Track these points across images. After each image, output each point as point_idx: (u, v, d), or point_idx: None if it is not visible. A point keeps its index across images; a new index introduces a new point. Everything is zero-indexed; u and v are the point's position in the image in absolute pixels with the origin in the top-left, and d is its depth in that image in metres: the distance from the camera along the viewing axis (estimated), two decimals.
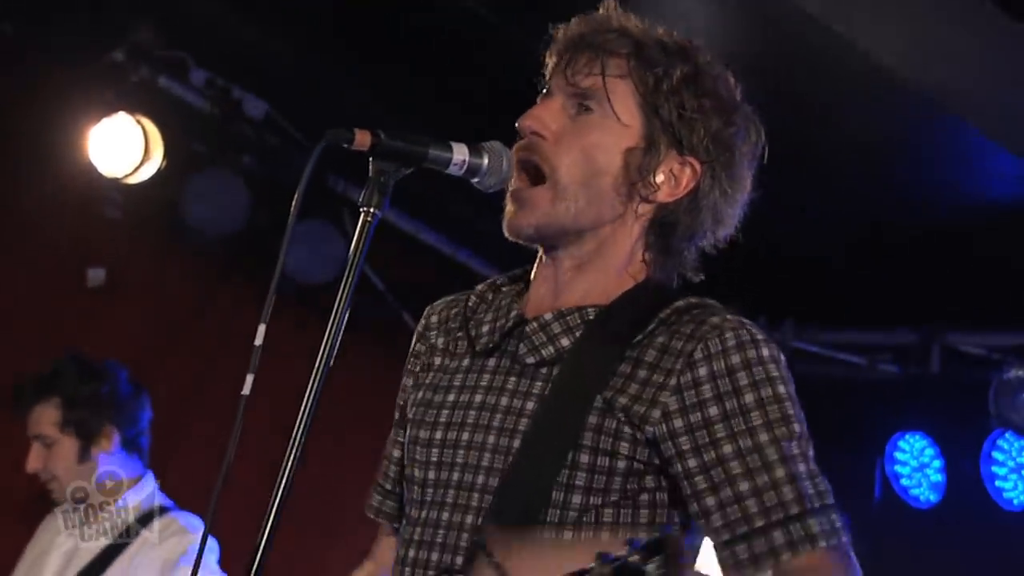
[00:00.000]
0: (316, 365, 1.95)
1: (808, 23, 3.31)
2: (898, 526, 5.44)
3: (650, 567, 1.43)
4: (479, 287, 2.27)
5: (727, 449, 1.96)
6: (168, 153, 5.00)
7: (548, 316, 2.10)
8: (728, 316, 2.04)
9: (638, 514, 2.02)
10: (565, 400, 2.02)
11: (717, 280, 2.21)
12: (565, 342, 2.07)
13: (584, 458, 1.99)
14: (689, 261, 2.18)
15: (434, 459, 2.12)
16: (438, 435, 2.12)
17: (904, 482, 5.48)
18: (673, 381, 1.99)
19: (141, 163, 4.97)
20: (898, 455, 5.50)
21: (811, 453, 2.03)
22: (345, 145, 1.96)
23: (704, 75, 2.12)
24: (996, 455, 5.26)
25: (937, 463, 5.42)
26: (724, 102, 2.13)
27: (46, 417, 4.25)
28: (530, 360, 2.08)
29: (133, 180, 5.01)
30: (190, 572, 3.93)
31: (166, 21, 5.03)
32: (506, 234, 2.14)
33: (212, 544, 4.05)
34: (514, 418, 2.06)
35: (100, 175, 4.96)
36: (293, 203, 1.99)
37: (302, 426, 1.91)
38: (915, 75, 3.49)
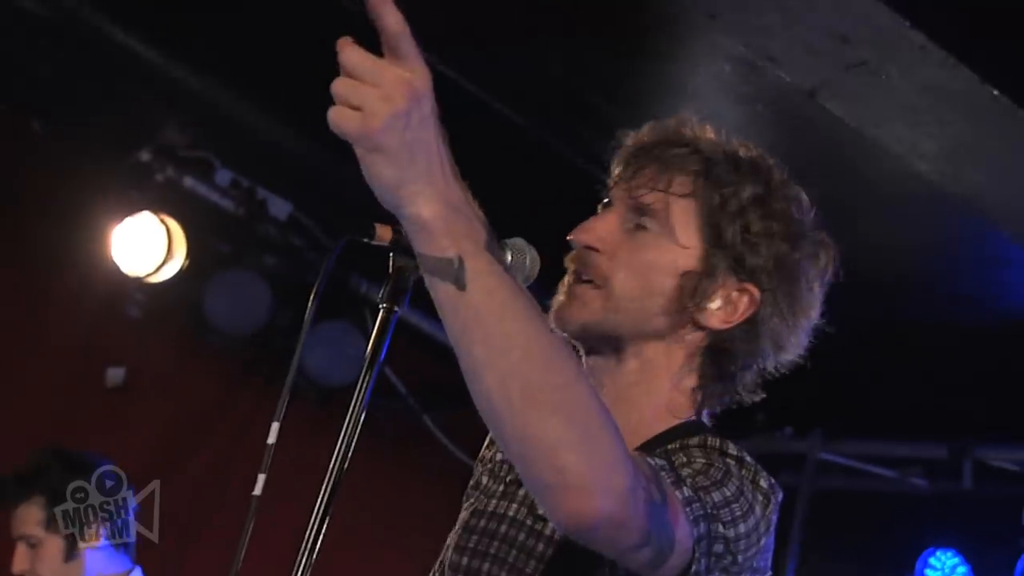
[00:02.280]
0: (330, 466, 1.90)
1: (839, 127, 3.29)
2: None
3: None
4: None
5: None
6: (191, 252, 5.00)
7: None
8: (709, 448, 1.93)
9: None
10: (573, 557, 1.90)
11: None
12: None
13: None
14: (747, 385, 2.06)
15: None
16: (464, 560, 2.05)
17: None
18: None
19: (164, 262, 4.96)
20: (928, 572, 5.39)
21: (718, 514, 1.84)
22: (366, 240, 1.92)
23: (775, 196, 2.02)
24: None
25: None
26: (793, 225, 2.02)
27: (30, 517, 4.17)
28: (539, 511, 1.96)
29: (155, 279, 5.00)
30: None
31: (192, 122, 5.05)
32: (552, 325, 2.02)
33: None
34: (524, 557, 1.97)
35: (122, 274, 4.96)
36: (311, 299, 1.95)
37: (314, 530, 1.86)
38: (947, 181, 3.45)
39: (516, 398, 1.55)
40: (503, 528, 2.03)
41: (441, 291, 1.55)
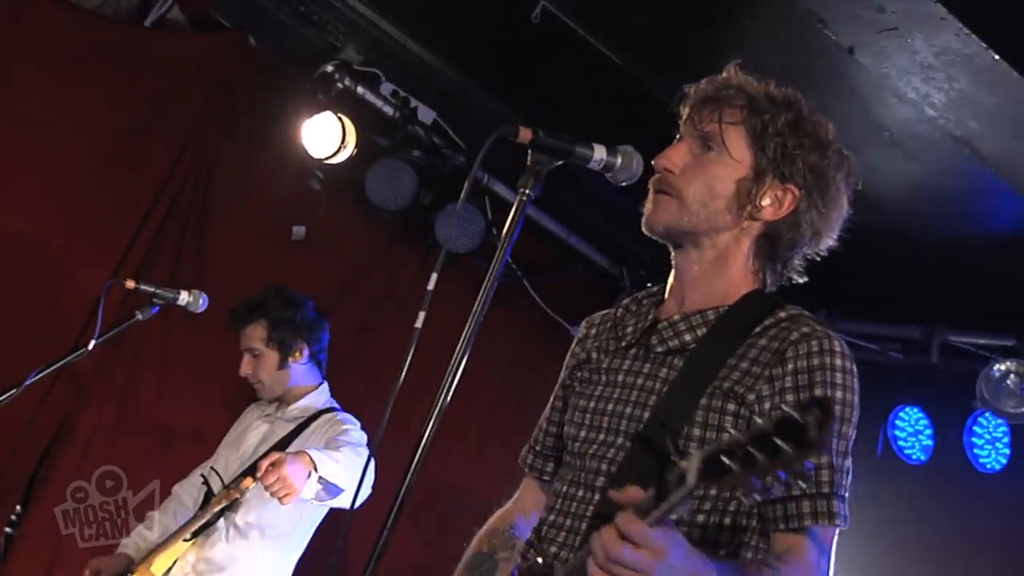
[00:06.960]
0: (474, 310, 1.90)
1: (874, 81, 3.18)
2: (894, 477, 5.30)
3: (810, 418, 1.37)
4: (625, 301, 2.26)
5: None
6: (359, 143, 4.97)
7: (676, 317, 2.09)
8: (817, 327, 1.99)
9: None
10: (686, 385, 1.99)
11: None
12: (688, 338, 2.05)
13: (696, 431, 1.95)
14: (795, 267, 2.14)
15: (586, 421, 2.12)
16: (591, 404, 2.13)
17: (901, 444, 5.35)
18: (767, 372, 1.94)
19: (338, 149, 4.95)
20: (898, 423, 5.36)
21: (850, 450, 1.95)
22: (511, 137, 1.90)
23: (805, 120, 2.06)
24: (976, 429, 5.12)
25: (928, 431, 5.28)
26: (820, 141, 2.07)
27: (256, 334, 4.26)
28: (659, 349, 2.06)
29: (332, 161, 4.99)
30: (340, 445, 3.94)
31: (366, 45, 5.01)
32: (644, 229, 2.10)
33: (361, 435, 4.07)
34: (645, 395, 2.04)
35: (309, 155, 4.96)
36: (466, 182, 1.94)
37: (461, 354, 1.86)
38: (950, 126, 3.33)
39: None
40: (620, 377, 2.11)
41: None
